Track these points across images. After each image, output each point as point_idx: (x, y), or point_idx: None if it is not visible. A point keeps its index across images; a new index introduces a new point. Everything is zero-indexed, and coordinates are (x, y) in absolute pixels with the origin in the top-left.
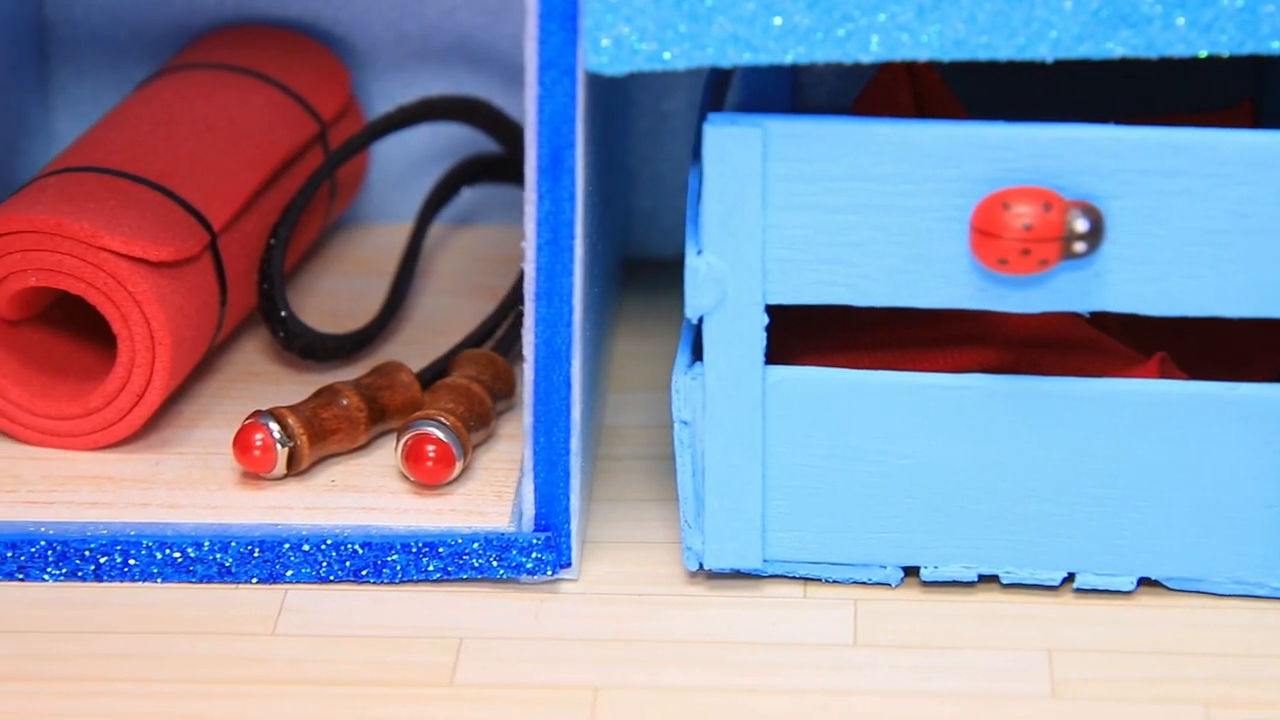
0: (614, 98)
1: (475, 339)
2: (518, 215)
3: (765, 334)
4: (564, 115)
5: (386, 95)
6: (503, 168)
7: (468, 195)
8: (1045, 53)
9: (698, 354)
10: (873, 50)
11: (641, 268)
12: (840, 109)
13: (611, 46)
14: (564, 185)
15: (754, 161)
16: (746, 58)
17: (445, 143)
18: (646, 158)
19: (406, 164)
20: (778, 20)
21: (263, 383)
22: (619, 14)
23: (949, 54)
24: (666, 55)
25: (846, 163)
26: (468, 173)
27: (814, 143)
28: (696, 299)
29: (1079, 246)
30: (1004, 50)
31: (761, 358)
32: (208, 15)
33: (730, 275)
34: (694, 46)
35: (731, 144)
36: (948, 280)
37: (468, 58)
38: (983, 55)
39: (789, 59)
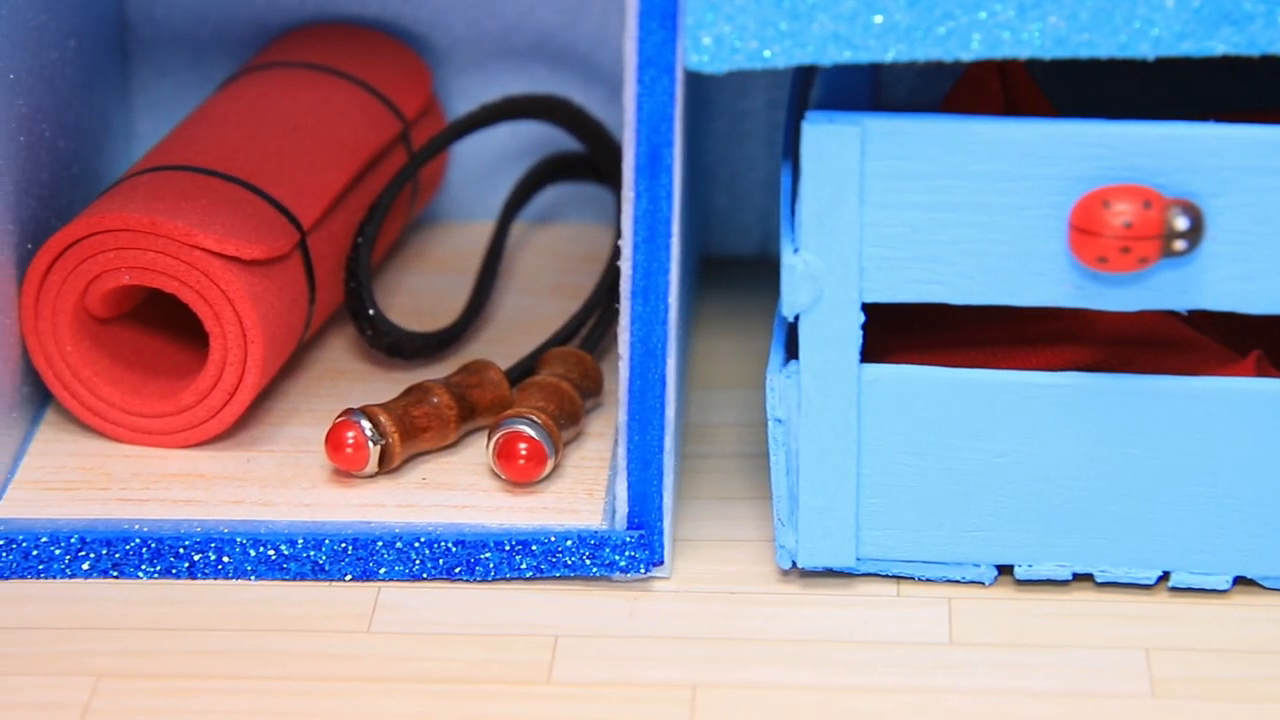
0: (693, 96)
1: (561, 337)
2: (596, 213)
3: (861, 332)
4: (663, 113)
5: (465, 94)
6: (583, 166)
7: (547, 193)
8: (1147, 50)
9: (791, 352)
10: (973, 48)
11: (718, 266)
12: (919, 107)
13: (712, 45)
14: (662, 183)
15: (852, 160)
16: (847, 56)
17: (523, 141)
18: (724, 156)
19: (485, 163)
20: (878, 18)
21: (349, 381)
22: (720, 12)
23: (1050, 52)
24: (767, 54)
25: (945, 161)
26: (550, 171)
27: (913, 141)
28: (793, 297)
29: (1179, 244)
30: (1105, 48)
31: (857, 356)
32: (289, 14)
33: (827, 274)
34: (794, 45)
35: (830, 142)
36: (1045, 278)
37: (547, 56)
38: (1084, 53)
39: (889, 57)
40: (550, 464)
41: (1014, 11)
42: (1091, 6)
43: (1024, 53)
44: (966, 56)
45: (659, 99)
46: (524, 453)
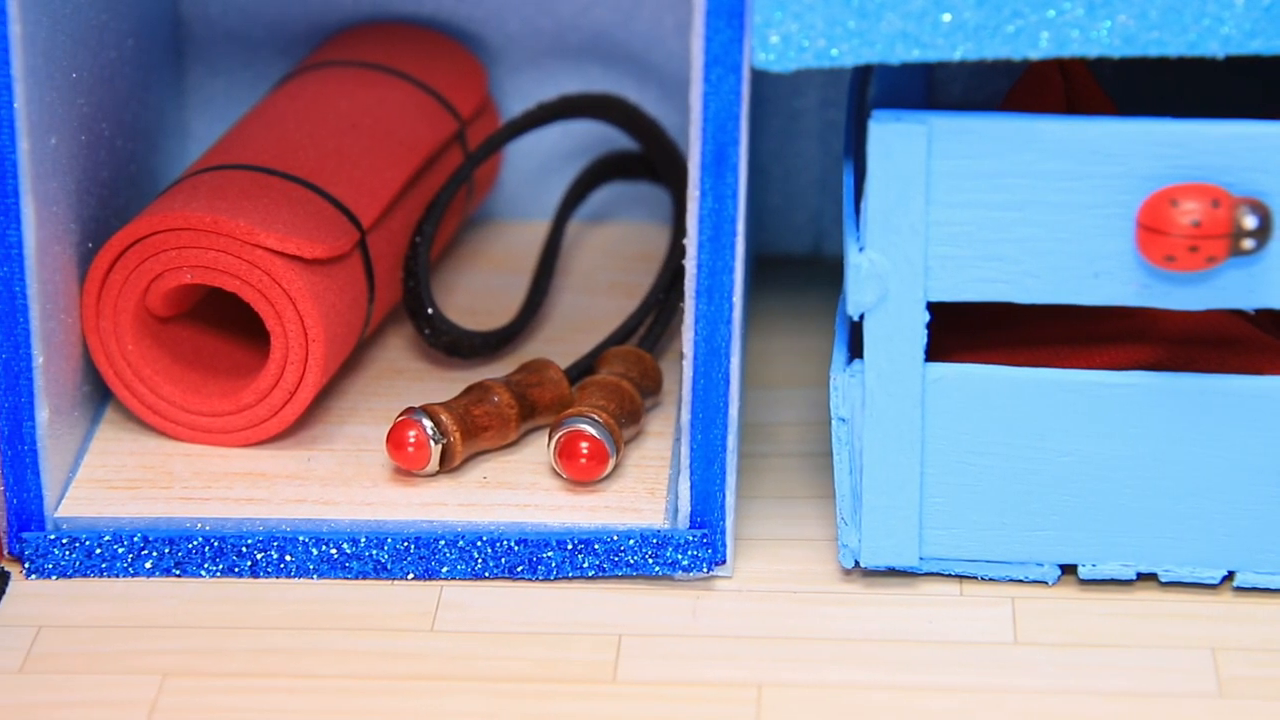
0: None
1: (618, 336)
2: (650, 212)
3: (926, 331)
4: (729, 112)
5: (519, 92)
6: (638, 165)
7: (600, 192)
8: (1216, 49)
9: (854, 351)
10: (1042, 47)
11: (771, 264)
12: (973, 105)
13: (779, 44)
14: (727, 182)
15: (918, 158)
16: (915, 55)
17: (576, 141)
18: (778, 155)
19: (538, 162)
20: (946, 17)
21: (407, 379)
22: (788, 11)
23: (1119, 50)
24: (834, 52)
25: (1011, 159)
26: (605, 170)
27: (979, 139)
28: (858, 296)
29: (1247, 243)
30: (1174, 46)
31: (922, 355)
32: (342, 13)
33: (892, 272)
34: (862, 44)
35: (896, 141)
36: (1112, 277)
37: (601, 54)
38: (1153, 52)
39: (957, 56)
40: (611, 463)
41: (1083, 10)
42: (1161, 5)
43: (1093, 51)
44: (1035, 55)
45: (725, 98)
46: (586, 452)
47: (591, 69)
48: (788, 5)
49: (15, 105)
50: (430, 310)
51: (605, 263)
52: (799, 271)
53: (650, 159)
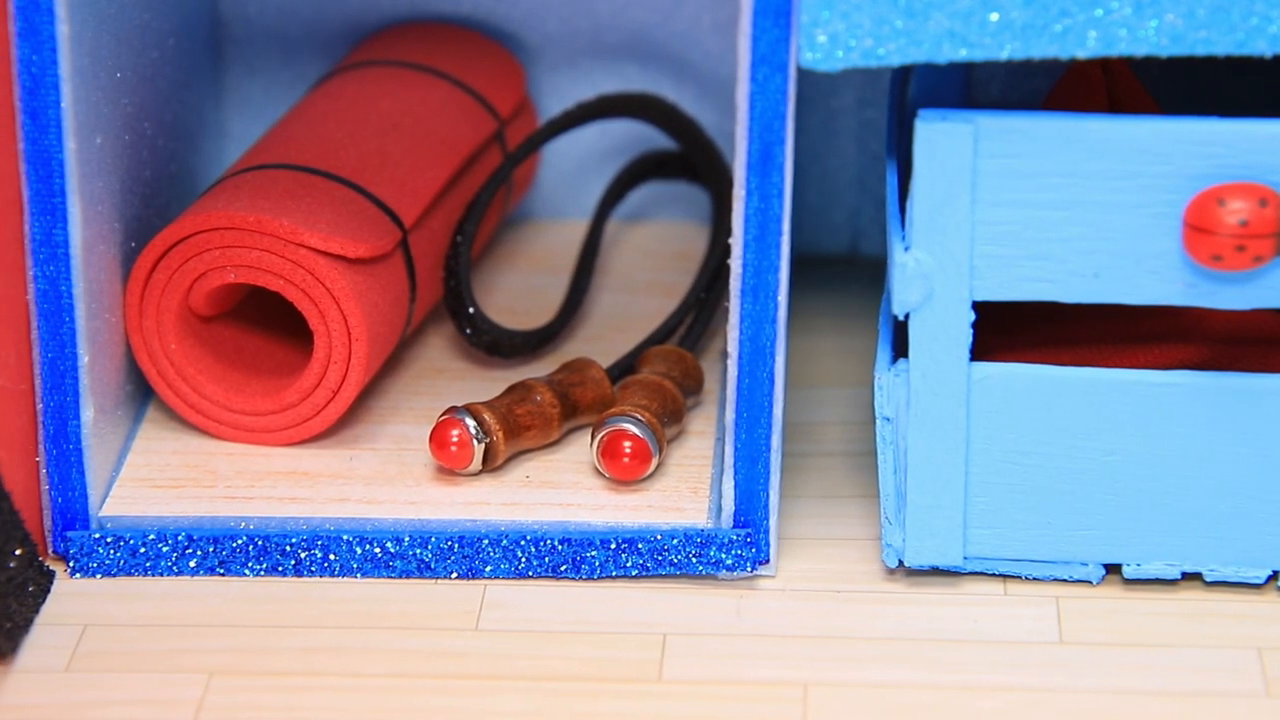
0: None
1: (659, 335)
2: (688, 211)
3: (971, 331)
4: (775, 112)
5: (556, 92)
6: (677, 165)
7: (639, 191)
8: (1264, 48)
9: (898, 350)
10: (1089, 46)
11: (808, 264)
12: (1011, 105)
13: (826, 43)
14: (773, 181)
15: (965, 157)
16: (962, 54)
17: (614, 140)
18: (815, 154)
19: (576, 161)
20: (994, 16)
21: (447, 379)
22: (835, 10)
23: (1166, 50)
24: (881, 52)
25: (1057, 159)
26: (644, 169)
27: (1025, 139)
28: (904, 295)
29: None
30: (1222, 46)
31: (967, 354)
32: (380, 13)
33: (938, 271)
34: (910, 43)
35: (943, 140)
36: (1158, 276)
37: (639, 54)
38: (1200, 51)
39: (1004, 55)
40: (654, 462)
41: (1130, 9)
42: (1209, 4)
43: (1140, 50)
44: (1082, 54)
45: (772, 97)
46: (629, 451)
47: (629, 68)
48: (835, 5)
49: (63, 105)
50: (471, 310)
51: (644, 262)
52: (836, 271)
53: (689, 158)
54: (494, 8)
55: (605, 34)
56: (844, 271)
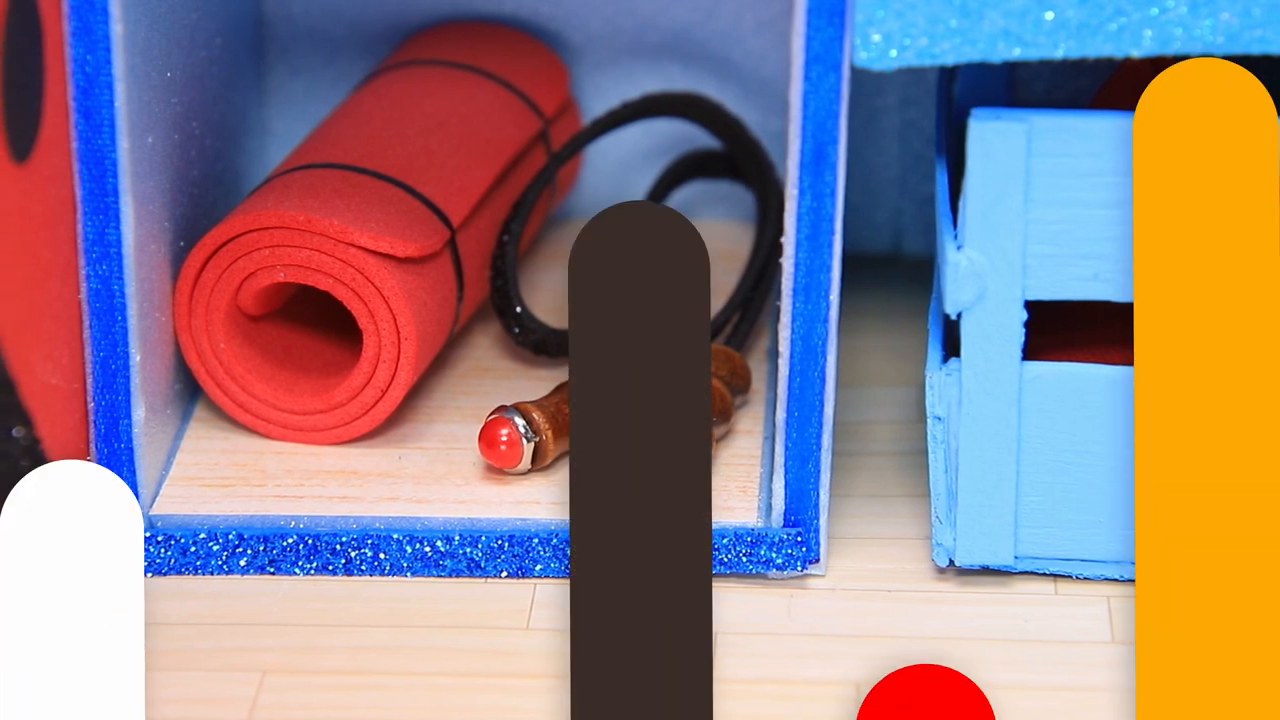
0: None
1: None
2: (731, 211)
3: (1024, 330)
4: (828, 111)
5: (599, 91)
6: (721, 164)
7: (683, 190)
8: None
9: (949, 349)
10: (1145, 44)
11: (850, 263)
12: (1055, 104)
13: (881, 42)
14: (826, 181)
15: (1018, 156)
16: (1017, 53)
17: (657, 139)
18: (858, 153)
19: (619, 160)
20: (1049, 15)
21: (494, 378)
22: (890, 9)
23: (1222, 49)
24: (936, 51)
25: (1111, 158)
26: (688, 169)
27: (1079, 138)
28: (957, 294)
29: None
30: (1277, 44)
31: (1019, 353)
32: (423, 13)
33: (990, 270)
34: (964, 42)
35: (996, 139)
36: None
37: (682, 53)
38: (1256, 50)
39: (1059, 54)
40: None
41: (1186, 8)
42: (1265, 2)
43: (1196, 49)
44: (1137, 53)
45: (825, 96)
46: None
47: (672, 68)
48: (890, 4)
49: (117, 104)
50: (519, 308)
51: None
52: (880, 270)
53: (733, 158)
54: (537, 7)
55: (648, 33)
56: (887, 271)
